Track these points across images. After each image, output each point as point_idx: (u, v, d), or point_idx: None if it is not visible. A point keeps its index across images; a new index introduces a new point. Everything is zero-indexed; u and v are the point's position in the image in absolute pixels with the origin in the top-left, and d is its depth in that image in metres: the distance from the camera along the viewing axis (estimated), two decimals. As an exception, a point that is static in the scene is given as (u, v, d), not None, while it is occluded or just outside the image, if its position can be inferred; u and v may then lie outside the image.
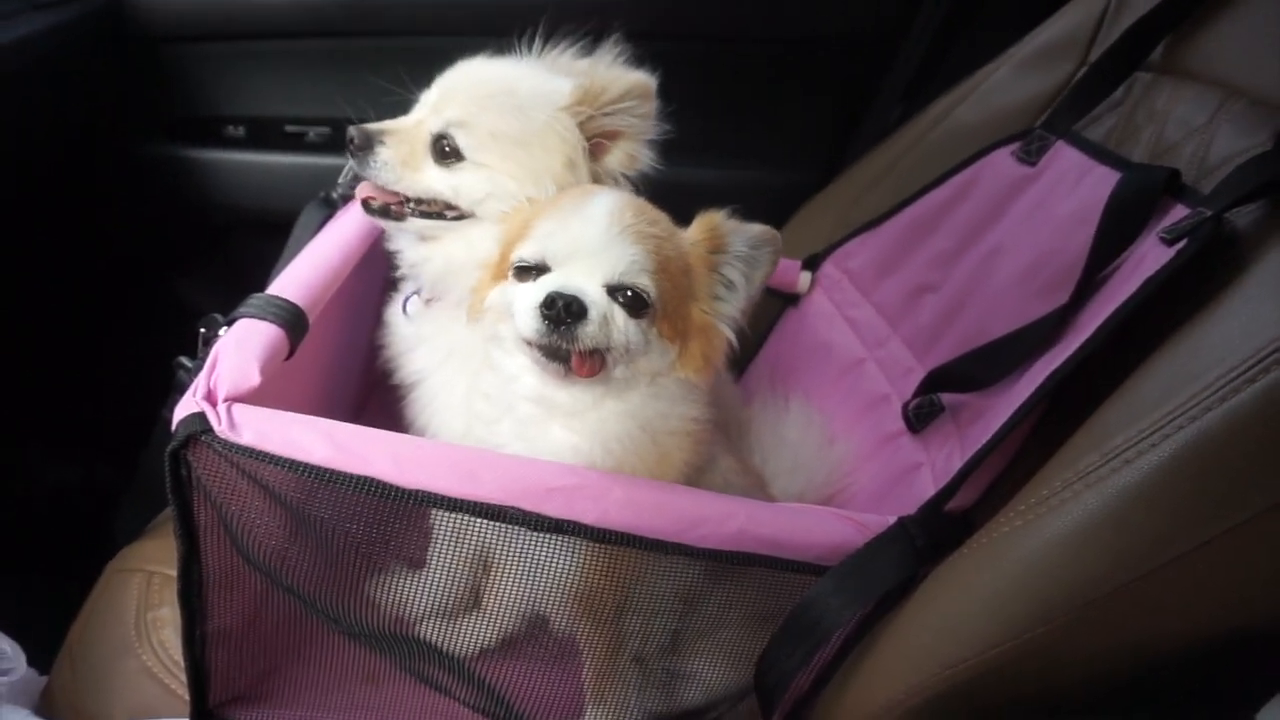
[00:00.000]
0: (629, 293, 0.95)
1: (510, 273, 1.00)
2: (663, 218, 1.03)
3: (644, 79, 1.18)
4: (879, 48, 2.07)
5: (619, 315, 0.95)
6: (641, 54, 1.26)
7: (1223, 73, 1.16)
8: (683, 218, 1.07)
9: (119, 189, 2.15)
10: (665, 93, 1.22)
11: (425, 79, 1.26)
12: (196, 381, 0.91)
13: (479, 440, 1.07)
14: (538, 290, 0.93)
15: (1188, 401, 0.78)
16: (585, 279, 0.95)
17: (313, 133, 2.11)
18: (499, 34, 1.93)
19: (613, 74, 1.19)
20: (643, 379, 1.01)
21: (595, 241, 0.95)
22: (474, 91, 1.18)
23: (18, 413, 2.01)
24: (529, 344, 0.95)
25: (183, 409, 0.89)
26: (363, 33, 2.02)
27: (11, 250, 1.89)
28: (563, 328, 0.92)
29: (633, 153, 1.20)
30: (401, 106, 1.26)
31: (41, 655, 1.25)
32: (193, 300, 2.24)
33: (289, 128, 2.11)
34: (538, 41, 1.27)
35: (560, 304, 0.91)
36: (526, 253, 0.98)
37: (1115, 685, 0.88)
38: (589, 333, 0.92)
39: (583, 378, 0.95)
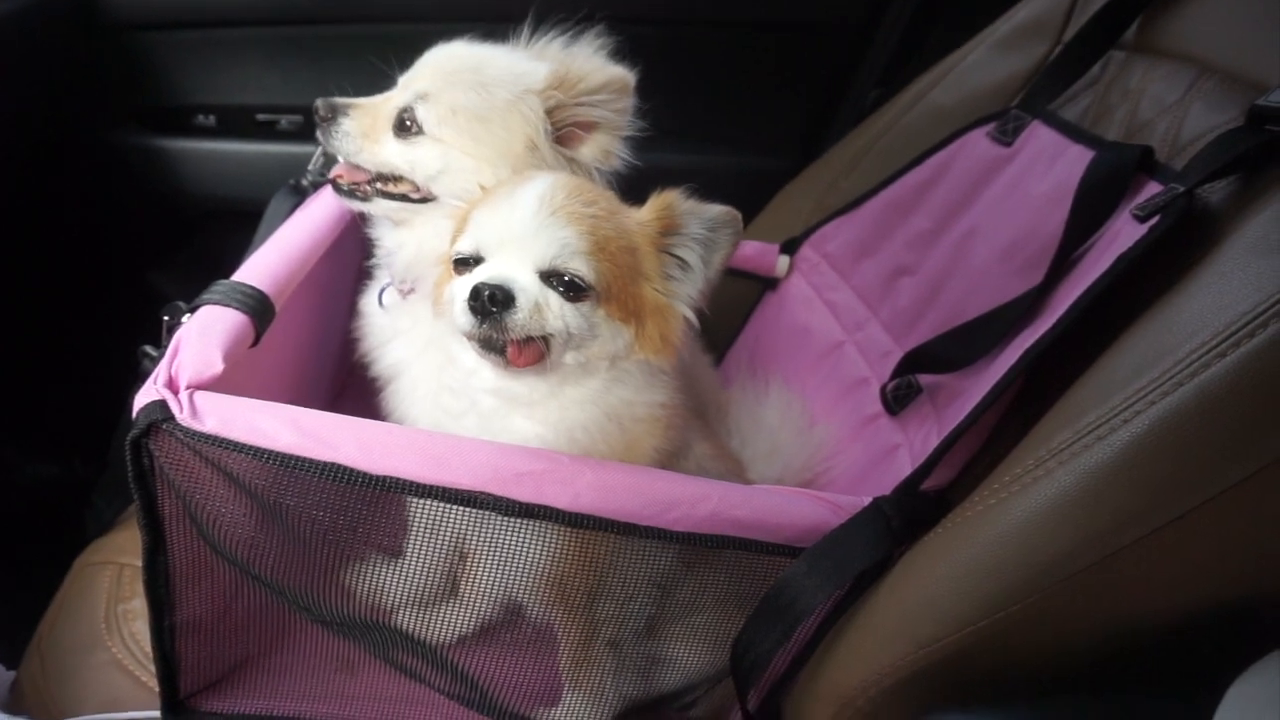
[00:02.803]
0: (564, 277, 0.93)
1: (451, 266, 0.99)
2: (603, 197, 1.01)
3: (623, 73, 1.16)
4: (855, 32, 2.06)
5: (554, 301, 0.93)
6: (618, 39, 1.25)
7: (1195, 50, 1.16)
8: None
9: (88, 178, 2.12)
10: (642, 78, 1.20)
11: (398, 66, 1.24)
12: (157, 370, 0.90)
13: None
14: (468, 282, 0.92)
15: (1160, 377, 0.78)
16: (517, 267, 0.93)
17: (284, 121, 2.09)
18: (469, 19, 1.91)
19: (592, 64, 1.17)
20: (601, 363, 0.99)
21: (524, 227, 0.93)
22: (441, 67, 1.17)
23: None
24: (467, 337, 0.94)
25: (144, 397, 0.88)
26: (333, 19, 1.99)
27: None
28: (491, 318, 0.90)
29: (607, 147, 1.19)
30: (374, 93, 1.25)
31: (10, 650, 1.23)
32: (164, 291, 2.21)
33: (260, 116, 2.09)
34: (525, 30, 1.26)
35: (485, 294, 0.89)
36: (462, 245, 0.97)
37: (1091, 662, 0.88)
38: (518, 321, 0.91)
39: (520, 367, 0.94)
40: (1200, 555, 0.80)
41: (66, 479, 2.07)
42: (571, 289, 0.94)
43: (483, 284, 0.90)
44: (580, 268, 0.93)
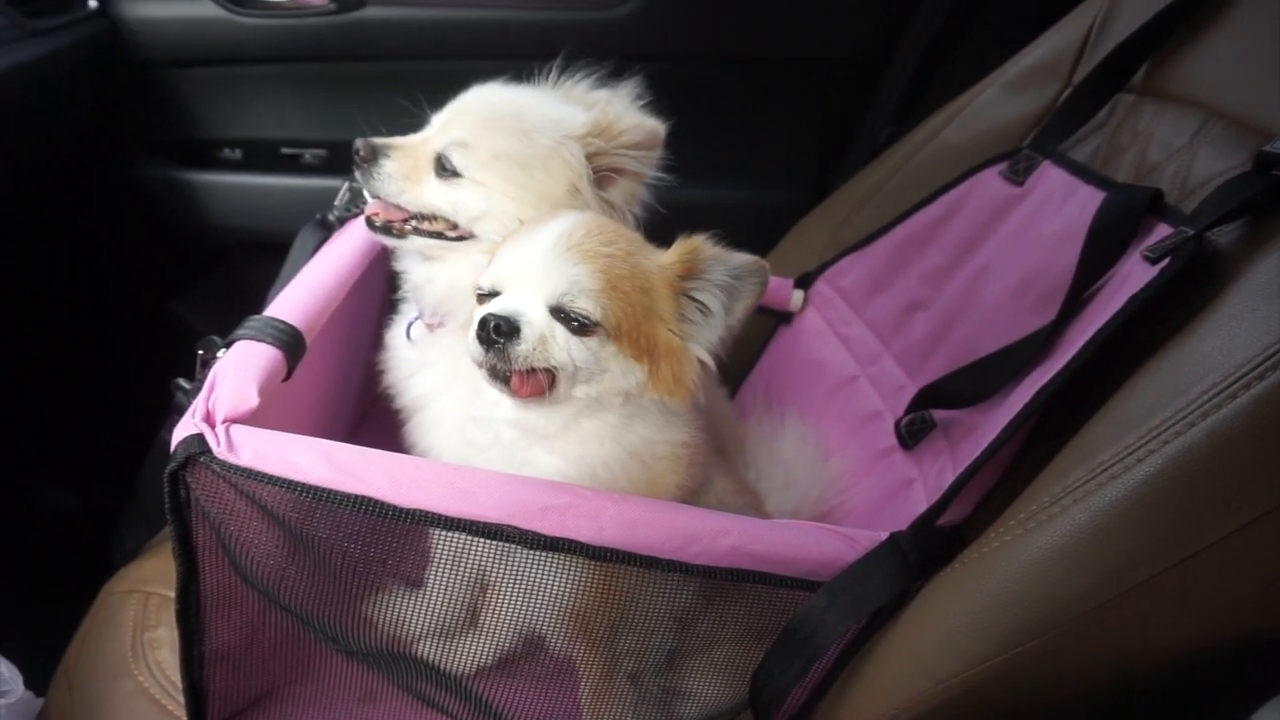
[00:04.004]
0: (573, 312, 0.96)
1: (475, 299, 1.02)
2: (624, 238, 1.02)
3: (658, 128, 1.20)
4: (867, 70, 2.10)
5: (560, 334, 0.96)
6: (638, 76, 1.28)
7: (1202, 95, 1.18)
8: (678, 235, 1.08)
9: (116, 211, 2.17)
10: (659, 113, 1.24)
11: (426, 103, 1.28)
12: (195, 403, 0.92)
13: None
14: (480, 313, 0.95)
15: (1173, 417, 0.80)
16: (528, 300, 0.96)
17: (308, 155, 2.14)
18: (492, 57, 1.96)
19: (632, 117, 1.21)
20: (615, 399, 1.01)
21: (538, 263, 0.97)
22: (482, 113, 1.20)
23: (14, 435, 2.01)
24: (476, 365, 0.97)
25: (181, 430, 0.90)
26: (357, 57, 2.04)
27: (9, 272, 1.90)
28: (495, 348, 0.94)
29: (634, 191, 1.23)
30: (399, 129, 1.28)
31: (38, 677, 1.25)
32: (188, 322, 2.25)
33: (285, 150, 2.14)
34: (554, 72, 1.29)
35: (491, 325, 0.93)
36: (483, 279, 1.01)
37: (1106, 698, 0.88)
38: (521, 352, 0.94)
39: (524, 398, 0.96)
40: (1213, 593, 0.81)
41: (86, 506, 2.09)
42: (579, 324, 0.96)
43: (489, 314, 0.94)
44: (587, 305, 0.95)
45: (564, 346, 0.96)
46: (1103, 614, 0.80)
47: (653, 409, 1.04)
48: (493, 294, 1.00)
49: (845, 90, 2.13)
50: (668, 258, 1.02)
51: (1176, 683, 0.87)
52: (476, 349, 0.95)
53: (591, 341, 0.97)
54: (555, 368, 0.96)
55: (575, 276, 0.95)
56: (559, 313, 0.96)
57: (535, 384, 0.96)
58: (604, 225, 1.03)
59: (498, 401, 1.03)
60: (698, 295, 1.01)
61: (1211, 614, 0.82)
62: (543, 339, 0.95)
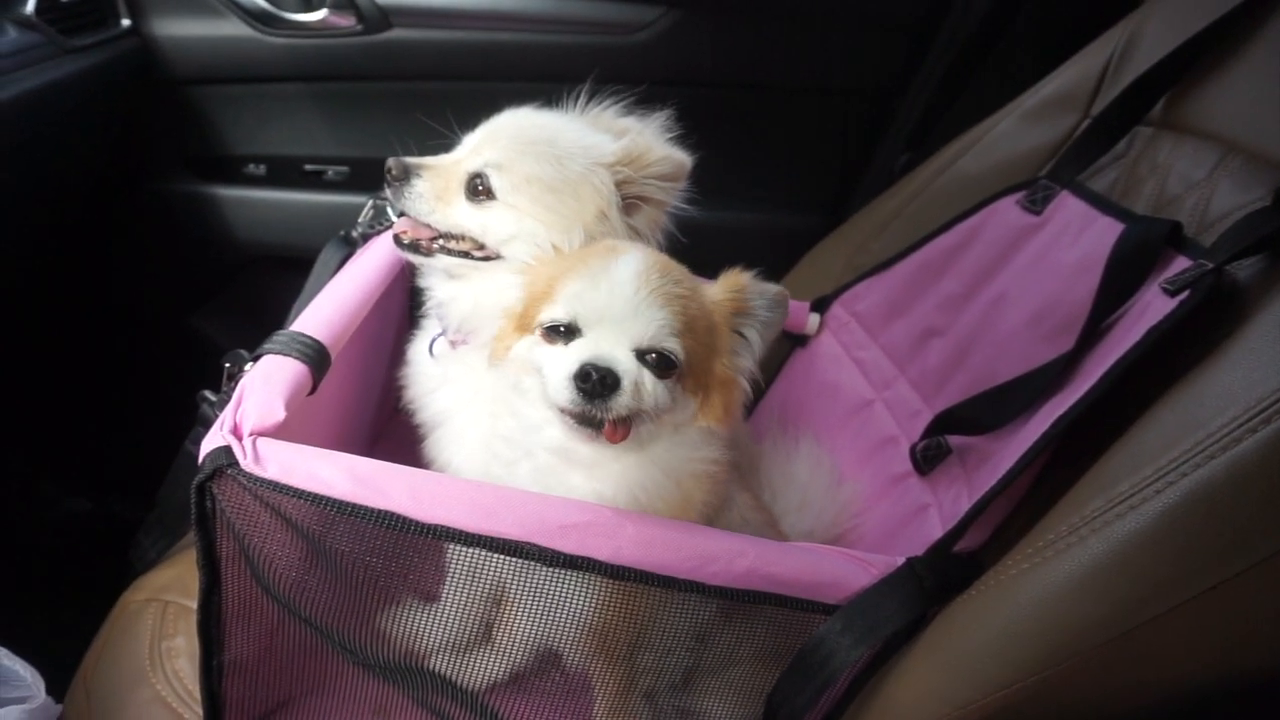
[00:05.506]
0: (656, 355, 0.96)
1: (538, 331, 1.00)
2: (686, 275, 1.04)
3: (685, 161, 1.22)
4: (884, 97, 2.12)
5: (648, 379, 0.96)
6: (659, 100, 1.30)
7: (1221, 129, 1.19)
8: (695, 258, 1.10)
9: (142, 224, 2.20)
10: (680, 137, 1.27)
11: (450, 122, 1.29)
12: (223, 416, 0.94)
13: (496, 480, 1.08)
14: (570, 359, 0.94)
15: (1191, 449, 0.80)
16: (616, 345, 0.96)
17: (331, 171, 2.17)
18: (516, 78, 1.99)
19: (661, 149, 1.23)
20: (666, 430, 1.02)
21: (624, 306, 0.96)
22: (515, 136, 1.21)
23: (35, 445, 2.03)
24: (563, 411, 0.95)
25: (209, 443, 0.91)
26: (380, 76, 2.07)
27: (37, 284, 1.93)
28: (597, 399, 0.93)
29: (657, 219, 1.25)
30: (422, 148, 1.30)
31: (56, 684, 1.26)
32: (210, 335, 2.27)
33: (307, 166, 2.17)
34: (581, 98, 1.31)
35: (595, 377, 0.92)
36: (557, 314, 0.98)
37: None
38: (622, 403, 0.93)
39: (615, 443, 0.96)
40: (1231, 626, 0.81)
41: (105, 515, 2.11)
42: (662, 365, 0.97)
43: (590, 365, 0.92)
44: (674, 347, 0.96)
45: (650, 390, 0.96)
46: (1119, 644, 0.81)
47: (693, 433, 1.05)
48: (568, 331, 0.98)
49: (861, 117, 2.15)
50: (718, 293, 1.04)
51: (1192, 715, 0.87)
52: (571, 398, 0.93)
53: (668, 382, 0.97)
54: (641, 411, 0.96)
55: (661, 320, 0.96)
56: (643, 355, 0.96)
57: (626, 428, 0.96)
58: (668, 264, 1.04)
59: (540, 427, 1.02)
60: (742, 329, 1.05)
61: (1229, 647, 0.83)
62: (636, 385, 0.95)
